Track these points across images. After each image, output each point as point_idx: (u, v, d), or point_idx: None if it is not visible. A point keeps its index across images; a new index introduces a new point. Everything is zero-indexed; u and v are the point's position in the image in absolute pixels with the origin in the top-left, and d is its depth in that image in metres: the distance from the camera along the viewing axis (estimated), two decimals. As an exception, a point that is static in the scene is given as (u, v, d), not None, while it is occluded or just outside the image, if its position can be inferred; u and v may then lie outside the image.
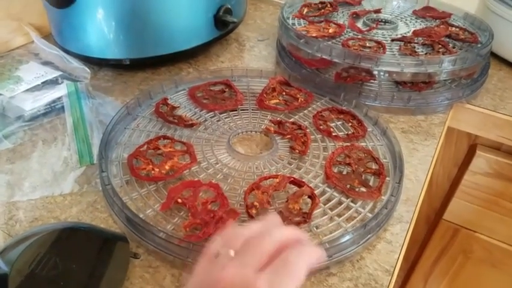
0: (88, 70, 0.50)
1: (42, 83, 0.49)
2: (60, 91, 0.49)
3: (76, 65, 0.51)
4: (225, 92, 0.50)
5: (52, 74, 0.51)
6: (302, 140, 0.43)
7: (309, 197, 0.37)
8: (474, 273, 0.71)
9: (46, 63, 0.53)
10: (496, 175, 0.59)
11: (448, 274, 0.74)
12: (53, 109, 0.48)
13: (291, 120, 0.46)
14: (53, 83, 0.50)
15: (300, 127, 0.45)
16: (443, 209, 0.67)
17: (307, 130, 0.44)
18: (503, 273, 0.68)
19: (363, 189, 0.38)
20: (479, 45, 0.54)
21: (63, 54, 0.52)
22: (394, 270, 0.34)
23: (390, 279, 0.33)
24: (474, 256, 0.69)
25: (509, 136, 0.54)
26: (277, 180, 0.38)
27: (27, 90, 0.48)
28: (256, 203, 0.36)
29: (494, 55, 0.63)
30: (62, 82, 0.50)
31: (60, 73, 0.51)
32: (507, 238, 0.64)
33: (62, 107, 0.48)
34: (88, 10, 0.49)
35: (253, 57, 0.62)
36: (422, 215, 0.72)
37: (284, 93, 0.50)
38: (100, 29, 0.51)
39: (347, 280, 0.33)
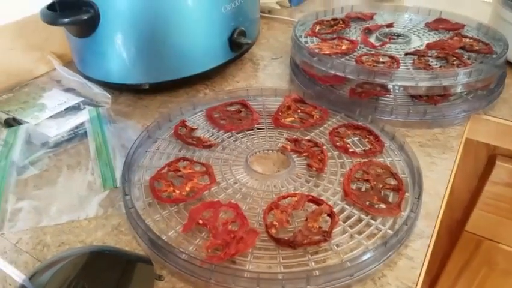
0: (109, 95, 0.52)
1: (65, 109, 0.51)
2: (83, 117, 0.51)
3: (96, 90, 0.53)
4: (241, 112, 0.51)
5: (74, 100, 0.53)
6: (319, 157, 0.44)
7: (328, 215, 0.37)
8: (499, 285, 0.70)
9: (68, 89, 0.55)
10: (517, 185, 0.58)
11: (472, 287, 0.72)
12: (76, 135, 0.49)
13: (307, 137, 0.47)
14: (75, 109, 0.52)
15: (316, 144, 0.45)
16: (465, 221, 0.66)
17: (324, 147, 0.45)
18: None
19: (382, 205, 0.38)
20: (494, 56, 0.54)
21: (84, 80, 0.54)
22: (416, 286, 0.34)
23: (413, 296, 0.33)
24: (498, 268, 0.67)
25: (529, 146, 0.53)
26: (296, 198, 0.38)
27: (51, 117, 0.50)
28: (275, 223, 0.36)
29: (510, 64, 0.62)
30: (84, 108, 0.52)
31: (82, 99, 0.53)
32: (532, 249, 0.63)
33: (85, 132, 0.49)
34: (108, 38, 0.51)
35: (267, 76, 0.63)
36: (443, 228, 0.71)
37: (299, 110, 0.50)
38: (119, 56, 0.52)
39: (370, 298, 0.33)
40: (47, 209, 0.41)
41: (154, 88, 0.56)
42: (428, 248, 0.37)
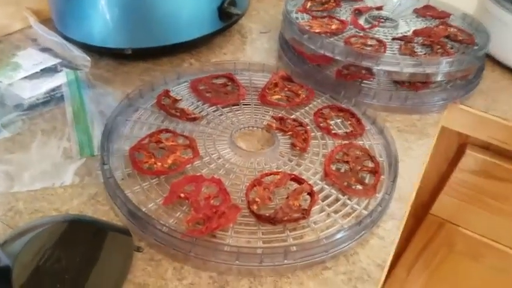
0: (89, 58, 0.50)
1: (41, 70, 0.49)
2: (60, 79, 0.48)
3: (76, 52, 0.50)
4: (227, 85, 0.51)
5: (51, 61, 0.50)
6: (303, 137, 0.44)
7: (309, 194, 0.38)
8: (455, 265, 0.74)
9: (45, 49, 0.53)
10: (482, 173, 0.61)
11: (430, 266, 0.77)
12: (53, 98, 0.47)
13: (293, 116, 0.47)
14: (52, 70, 0.50)
15: (301, 124, 0.46)
16: (431, 204, 0.69)
17: (308, 127, 0.45)
18: (483, 266, 0.71)
19: (359, 186, 0.40)
20: (475, 47, 0.56)
21: (63, 41, 0.52)
22: (386, 264, 0.36)
23: (382, 273, 0.35)
24: (456, 249, 0.72)
25: (497, 137, 0.56)
26: (279, 177, 0.39)
27: (25, 77, 0.48)
28: (257, 199, 0.37)
29: (488, 56, 0.64)
30: (62, 70, 0.50)
31: (60, 60, 0.51)
32: (487, 232, 0.67)
33: (62, 96, 0.47)
34: (91, -3, 0.49)
35: (255, 50, 0.62)
36: (410, 209, 0.74)
37: (286, 89, 0.50)
38: (103, 18, 0.50)
39: (341, 274, 0.34)
40: (20, 175, 0.39)
41: (136, 54, 0.54)
42: (399, 229, 0.39)
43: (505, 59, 0.62)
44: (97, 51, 0.55)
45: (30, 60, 0.50)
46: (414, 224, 0.75)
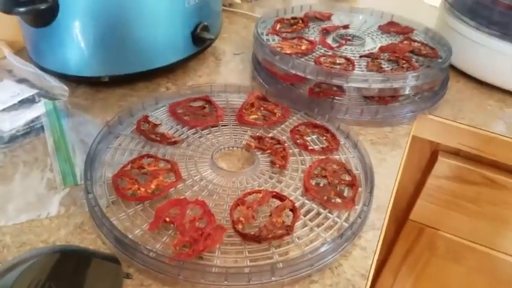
0: (66, 88, 0.50)
1: (19, 101, 0.49)
2: (38, 110, 0.49)
3: (53, 83, 0.51)
4: (205, 108, 0.52)
5: (29, 92, 0.50)
6: (281, 154, 0.46)
7: (291, 210, 0.39)
8: (439, 268, 0.76)
9: (21, 80, 0.53)
10: (455, 178, 0.64)
11: (415, 270, 0.79)
12: (32, 129, 0.47)
13: (270, 135, 0.49)
14: (30, 101, 0.50)
15: (279, 142, 0.47)
16: (409, 210, 0.72)
17: (286, 144, 0.47)
18: (465, 267, 0.73)
19: (338, 200, 0.41)
20: (439, 60, 0.59)
21: (39, 71, 0.52)
22: (369, 274, 0.37)
23: (366, 283, 0.36)
24: (438, 253, 0.74)
25: (467, 143, 0.59)
26: (261, 195, 0.40)
27: (3, 109, 0.48)
28: (242, 218, 0.38)
29: (453, 68, 0.68)
30: (40, 100, 0.50)
31: (37, 91, 0.51)
32: (467, 235, 0.69)
33: (42, 127, 0.47)
34: (66, 28, 0.49)
35: (230, 72, 0.64)
36: (390, 217, 0.76)
37: (262, 108, 0.52)
38: (78, 47, 0.51)
39: (328, 286, 0.35)
40: (4, 208, 0.39)
41: (113, 81, 0.54)
42: (379, 238, 0.40)
43: (467, 70, 0.66)
44: (73, 80, 0.55)
45: (8, 91, 0.50)
46: (395, 231, 0.77)
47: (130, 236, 0.35)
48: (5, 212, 0.39)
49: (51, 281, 0.31)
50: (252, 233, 0.37)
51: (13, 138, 0.46)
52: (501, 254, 0.69)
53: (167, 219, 0.37)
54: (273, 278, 0.34)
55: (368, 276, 0.37)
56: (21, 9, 0.46)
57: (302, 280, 0.35)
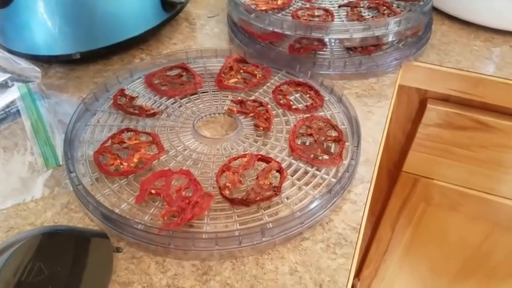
0: (38, 69, 0.49)
1: (-9, 88, 0.48)
2: (13, 94, 0.47)
3: (24, 65, 0.49)
4: (182, 76, 0.50)
5: (0, 77, 0.49)
6: (265, 116, 0.45)
7: (277, 171, 0.39)
8: (436, 217, 0.77)
9: (-9, 66, 0.51)
10: (446, 125, 0.63)
11: (412, 221, 0.80)
12: (8, 114, 0.46)
13: (252, 98, 0.48)
14: (3, 87, 0.48)
15: (261, 104, 0.46)
16: (402, 162, 0.71)
17: (269, 106, 0.46)
18: (461, 214, 0.74)
19: (325, 157, 0.41)
20: (421, 3, 0.57)
21: (8, 55, 0.50)
22: (360, 227, 0.37)
23: (358, 236, 0.36)
24: (434, 202, 0.74)
25: (455, 87, 0.58)
26: (246, 159, 0.39)
27: (-24, 97, 0.47)
28: (228, 184, 0.37)
29: (436, 10, 0.66)
30: (13, 85, 0.48)
31: (9, 75, 0.49)
32: (461, 181, 0.70)
33: (18, 111, 0.46)
34: (29, 7, 0.47)
35: (205, 36, 0.61)
36: (383, 170, 0.76)
37: (242, 71, 0.51)
38: (44, 25, 0.49)
39: (320, 242, 0.35)
40: (-12, 195, 0.39)
41: (85, 57, 0.53)
42: (369, 191, 0.40)
43: (451, 11, 0.64)
44: (45, 61, 0.54)
45: (-22, 79, 0.49)
46: (390, 184, 0.78)
47: (117, 211, 0.35)
48: (-11, 199, 0.38)
49: (41, 262, 0.31)
50: (240, 197, 0.36)
51: (-11, 125, 0.45)
52: (498, 197, 0.69)
53: (153, 191, 0.37)
54: (263, 239, 0.34)
55: (360, 229, 0.37)
56: (-24, -11, 0.44)
57: (293, 238, 0.36)
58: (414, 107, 0.66)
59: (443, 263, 0.85)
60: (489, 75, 0.55)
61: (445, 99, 0.63)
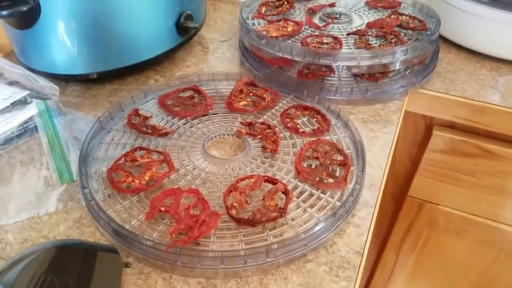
0: (56, 87, 0.51)
1: (11, 104, 0.50)
2: (31, 111, 0.49)
3: (43, 83, 0.51)
4: (194, 97, 0.52)
5: (20, 94, 0.51)
6: (272, 139, 0.46)
7: (283, 192, 0.40)
8: (441, 243, 0.77)
9: (12, 83, 0.53)
10: (451, 151, 0.64)
11: (416, 246, 0.80)
12: (26, 130, 0.48)
13: (260, 120, 0.49)
14: (22, 103, 0.50)
15: (269, 126, 0.48)
16: (407, 186, 0.72)
17: (276, 129, 0.47)
18: (466, 240, 0.74)
19: (331, 180, 0.42)
20: (428, 32, 0.58)
21: (28, 73, 0.52)
22: (364, 251, 0.38)
23: (361, 259, 0.37)
24: (439, 227, 0.74)
25: (460, 115, 0.59)
26: (253, 180, 0.41)
27: (-3, 112, 0.49)
28: (235, 204, 0.38)
29: (443, 38, 0.67)
30: (32, 101, 0.50)
31: (28, 92, 0.51)
32: (466, 207, 0.70)
33: (35, 127, 0.48)
34: (50, 28, 0.50)
35: (217, 60, 0.64)
36: (388, 194, 0.77)
37: (251, 94, 0.52)
38: (64, 46, 0.51)
39: (323, 264, 0.36)
40: (4, 208, 0.40)
41: (102, 77, 0.55)
42: (373, 215, 0.41)
43: (458, 40, 0.66)
44: (63, 79, 0.56)
45: (0, 95, 0.51)
46: (395, 208, 0.78)
47: (127, 227, 0.36)
48: (5, 211, 0.40)
49: (52, 274, 0.32)
50: (246, 217, 0.37)
51: (8, 140, 0.47)
52: (503, 225, 0.69)
53: (163, 208, 0.38)
54: (268, 259, 0.35)
55: (363, 253, 0.37)
56: (4, 12, 0.46)
57: (297, 260, 0.36)
58: (420, 132, 0.67)
59: (448, 288, 0.84)
60: (494, 104, 0.56)
61: (451, 126, 0.63)
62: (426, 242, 0.78)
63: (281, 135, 0.47)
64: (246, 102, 0.51)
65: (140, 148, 0.44)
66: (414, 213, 0.75)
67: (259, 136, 0.46)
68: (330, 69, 0.54)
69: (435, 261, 0.81)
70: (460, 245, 0.76)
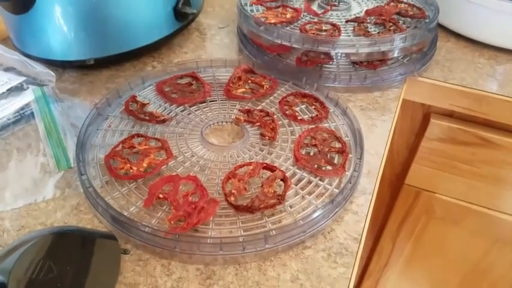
0: (53, 73, 0.50)
1: (7, 90, 0.49)
2: (27, 97, 0.49)
3: (39, 69, 0.51)
4: (192, 84, 0.52)
5: (16, 80, 0.50)
6: (271, 126, 0.46)
7: (282, 179, 0.40)
8: (437, 231, 0.78)
9: (8, 69, 0.52)
10: (449, 140, 0.64)
11: (413, 234, 0.80)
12: (23, 116, 0.48)
13: (259, 107, 0.49)
14: (18, 89, 0.50)
15: (267, 114, 0.47)
16: (404, 175, 0.72)
17: (275, 116, 0.47)
18: (462, 228, 0.74)
19: (329, 167, 0.42)
20: (427, 20, 0.58)
21: (25, 59, 0.51)
22: (361, 237, 0.38)
23: (359, 246, 0.37)
24: (436, 215, 0.75)
25: (459, 104, 0.59)
26: (251, 167, 0.41)
27: (-8, 99, 0.48)
28: (234, 191, 0.38)
29: (442, 27, 0.67)
30: (28, 88, 0.50)
31: (25, 78, 0.51)
32: (463, 196, 0.70)
33: (32, 114, 0.48)
34: (47, 13, 0.49)
35: (215, 46, 0.63)
36: (385, 182, 0.77)
37: (250, 81, 0.52)
38: (61, 31, 0.50)
39: (321, 251, 0.36)
40: (1, 195, 0.40)
41: (99, 63, 0.54)
42: (371, 202, 0.41)
43: (457, 28, 0.66)
44: (59, 65, 0.55)
45: (-5, 81, 0.50)
46: (392, 196, 0.78)
47: (125, 214, 0.36)
48: (2, 198, 0.40)
49: (50, 261, 0.32)
50: (245, 204, 0.37)
51: (4, 127, 0.47)
52: (499, 213, 0.69)
53: (161, 195, 0.38)
54: (266, 246, 0.35)
55: (361, 239, 0.38)
56: (-1, -4, 0.45)
57: (296, 246, 0.36)
58: (418, 121, 0.67)
59: (443, 276, 0.85)
60: (492, 93, 0.56)
61: (449, 115, 0.64)
62: (422, 230, 0.79)
63: (279, 122, 0.47)
64: (244, 90, 0.51)
65: (138, 135, 0.44)
66: (411, 201, 0.75)
67: (258, 123, 0.46)
68: (328, 56, 0.54)
69: (432, 249, 0.82)
70: (456, 233, 0.76)
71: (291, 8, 0.60)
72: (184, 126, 0.47)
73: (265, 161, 0.42)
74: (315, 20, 0.58)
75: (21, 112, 0.48)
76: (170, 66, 0.54)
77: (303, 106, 0.49)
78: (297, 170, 0.42)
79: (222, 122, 0.48)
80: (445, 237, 0.78)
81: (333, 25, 0.56)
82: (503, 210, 0.69)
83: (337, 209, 0.38)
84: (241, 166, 0.41)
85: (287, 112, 0.48)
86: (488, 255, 0.76)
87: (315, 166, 0.42)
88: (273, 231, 0.35)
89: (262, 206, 0.37)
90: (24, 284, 0.30)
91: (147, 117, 0.46)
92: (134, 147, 0.43)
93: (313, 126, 0.46)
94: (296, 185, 0.40)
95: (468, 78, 0.58)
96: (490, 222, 0.71)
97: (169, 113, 0.48)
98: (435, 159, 0.68)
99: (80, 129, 0.43)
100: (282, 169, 0.41)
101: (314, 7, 0.62)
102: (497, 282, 0.80)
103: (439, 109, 0.63)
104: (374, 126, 0.49)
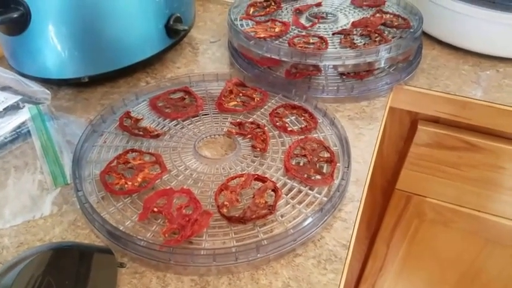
0: (48, 91, 0.52)
1: (4, 109, 0.50)
2: (24, 115, 0.50)
3: (35, 87, 0.52)
4: (185, 99, 0.53)
5: (12, 99, 0.52)
6: (262, 138, 0.47)
7: (273, 190, 0.41)
8: (429, 234, 0.79)
9: (4, 88, 0.54)
10: (436, 145, 0.66)
11: (406, 237, 0.82)
12: (20, 135, 0.49)
13: (250, 120, 0.50)
14: (14, 108, 0.51)
15: (258, 126, 0.49)
16: (395, 180, 0.74)
17: (266, 128, 0.49)
18: (454, 230, 0.76)
19: (318, 176, 0.43)
20: (411, 30, 0.60)
21: (20, 78, 0.53)
22: (350, 244, 0.39)
23: (347, 252, 0.38)
24: (427, 219, 0.76)
25: (444, 110, 0.60)
26: (243, 178, 0.42)
27: (-11, 118, 0.49)
28: (226, 202, 0.40)
29: (427, 35, 0.69)
30: (24, 106, 0.51)
31: (21, 97, 0.52)
32: (453, 199, 0.72)
33: (28, 132, 0.49)
34: (41, 34, 0.50)
35: (207, 60, 0.65)
36: (377, 187, 0.78)
37: (241, 94, 0.53)
38: (55, 51, 0.52)
39: (311, 258, 0.37)
40: (0, 212, 0.41)
41: (93, 80, 0.56)
42: (359, 209, 0.42)
43: (441, 36, 0.67)
44: (54, 83, 0.57)
45: (-9, 100, 0.51)
46: (384, 201, 0.80)
47: (121, 228, 0.37)
48: (1, 215, 0.41)
49: (49, 276, 0.33)
50: (237, 215, 0.39)
51: (2, 145, 0.48)
52: (489, 215, 0.71)
53: (156, 209, 0.39)
54: (258, 255, 0.36)
55: (349, 246, 0.39)
56: (-6, 19, 0.47)
57: (287, 255, 0.38)
58: (405, 127, 0.69)
59: (438, 277, 0.86)
60: (475, 99, 0.58)
61: (435, 121, 0.65)
62: (415, 233, 0.80)
63: (270, 134, 0.48)
64: (235, 103, 0.52)
65: (133, 150, 0.45)
66: (402, 205, 0.77)
67: (249, 135, 0.48)
68: (317, 68, 0.55)
69: (425, 252, 0.83)
70: (448, 236, 0.78)
71: (279, 22, 0.62)
72: (178, 140, 0.48)
73: (257, 172, 0.43)
74: (303, 33, 0.60)
75: (18, 130, 0.49)
76: (163, 82, 0.55)
77: (292, 117, 0.51)
78: (288, 180, 0.43)
79: (215, 135, 0.49)
80: (437, 240, 0.80)
81: (320, 38, 0.58)
82: (493, 212, 0.71)
83: (326, 217, 0.40)
84: (233, 178, 0.42)
85: (277, 124, 0.49)
86: (480, 256, 0.78)
87: (305, 176, 0.43)
88: (265, 240, 0.36)
89: (254, 216, 0.38)
90: (24, 299, 0.31)
91: (141, 133, 0.48)
92: (129, 163, 0.44)
93: (303, 136, 0.48)
94: (287, 194, 0.42)
95: (452, 85, 0.60)
96: (480, 224, 0.73)
97: (163, 127, 0.49)
98: (425, 164, 0.69)
99: (76, 146, 0.45)
100: (273, 180, 0.42)
101: (302, 20, 0.64)
102: (492, 282, 0.81)
103: (425, 116, 0.64)
104: (361, 135, 0.51)
